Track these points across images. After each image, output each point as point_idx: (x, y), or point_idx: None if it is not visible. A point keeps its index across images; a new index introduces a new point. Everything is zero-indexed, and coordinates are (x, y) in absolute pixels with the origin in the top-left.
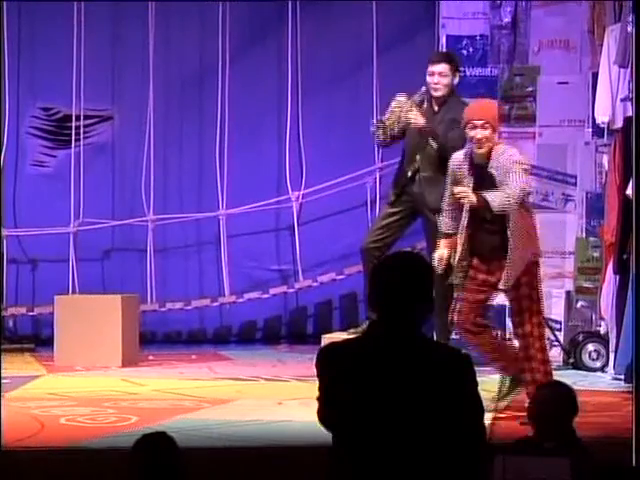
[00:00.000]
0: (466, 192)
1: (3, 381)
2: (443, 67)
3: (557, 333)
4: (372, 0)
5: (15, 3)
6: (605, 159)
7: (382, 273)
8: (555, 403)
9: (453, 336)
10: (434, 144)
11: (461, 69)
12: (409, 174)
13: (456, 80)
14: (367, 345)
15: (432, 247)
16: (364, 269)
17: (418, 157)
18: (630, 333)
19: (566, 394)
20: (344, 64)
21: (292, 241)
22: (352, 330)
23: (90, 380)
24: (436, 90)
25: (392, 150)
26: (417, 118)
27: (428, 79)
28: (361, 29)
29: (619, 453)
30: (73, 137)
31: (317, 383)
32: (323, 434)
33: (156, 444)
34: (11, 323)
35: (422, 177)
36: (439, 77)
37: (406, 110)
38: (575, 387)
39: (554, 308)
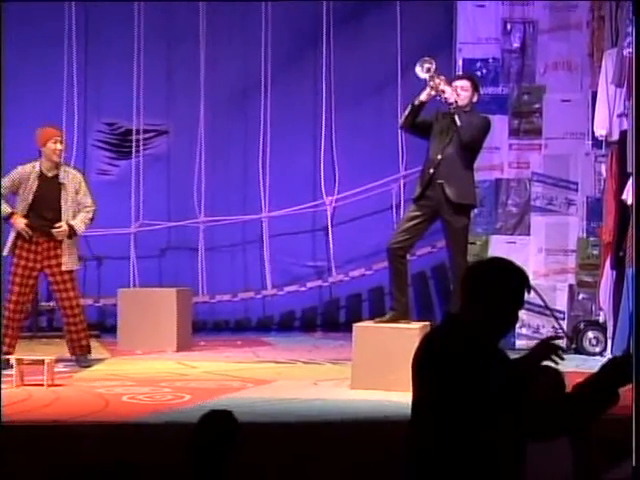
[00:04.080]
0: None
1: (72, 364)
2: (465, 82)
3: (561, 322)
4: (396, 27)
5: (82, 31)
6: (603, 168)
7: (478, 273)
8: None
9: None
10: (459, 121)
11: (481, 91)
12: (432, 170)
13: (475, 98)
14: (434, 333)
15: (450, 246)
16: (389, 266)
17: (439, 157)
18: (626, 321)
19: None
20: (372, 82)
21: (326, 240)
22: (378, 319)
23: (148, 363)
24: (457, 97)
25: (415, 159)
26: (449, 93)
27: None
28: (387, 51)
29: (617, 430)
30: (133, 149)
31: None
32: (353, 411)
33: (220, 420)
34: None
35: (442, 175)
36: (461, 90)
37: (442, 85)
38: (577, 370)
39: (558, 300)
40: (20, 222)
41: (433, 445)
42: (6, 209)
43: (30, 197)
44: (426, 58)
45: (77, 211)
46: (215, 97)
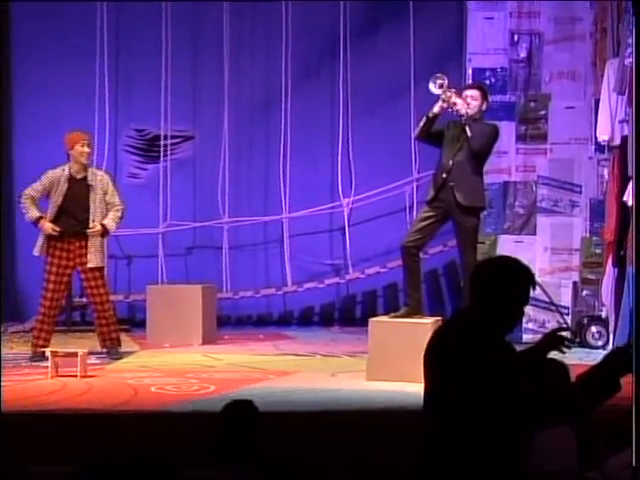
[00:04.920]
0: None
1: (104, 356)
2: (475, 92)
3: (565, 317)
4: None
5: (113, 44)
6: (605, 171)
7: (486, 271)
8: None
9: None
10: (469, 131)
11: (490, 100)
12: (444, 175)
13: (484, 107)
14: (445, 328)
15: (460, 245)
16: (403, 263)
17: (451, 162)
18: (627, 316)
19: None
20: (386, 91)
21: (343, 240)
22: (393, 314)
23: (176, 355)
24: (468, 107)
25: (427, 163)
26: (460, 105)
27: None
28: (400, 62)
29: (619, 418)
30: (161, 153)
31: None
32: (368, 401)
33: (242, 409)
34: None
35: (452, 180)
36: (471, 99)
37: (454, 97)
38: (581, 362)
39: (563, 296)
40: (47, 226)
41: (444, 434)
42: (35, 214)
43: (60, 199)
44: (438, 75)
45: (106, 211)
46: (238, 105)
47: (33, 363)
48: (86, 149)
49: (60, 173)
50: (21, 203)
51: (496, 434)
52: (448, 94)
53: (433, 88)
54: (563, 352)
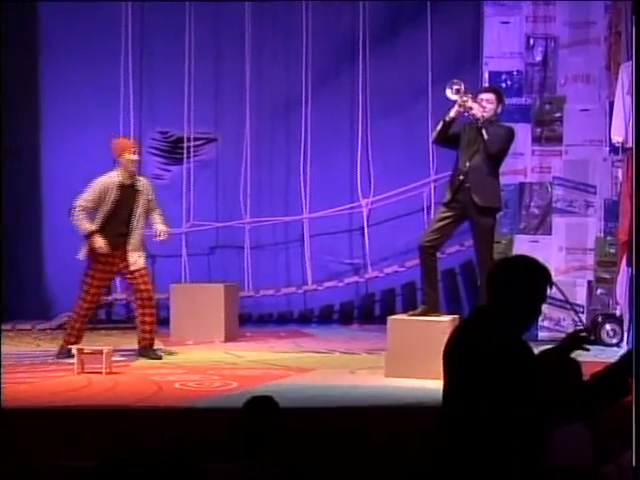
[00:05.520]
0: None
1: (128, 353)
2: (490, 95)
3: (580, 315)
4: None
5: (138, 49)
6: (620, 172)
7: (504, 270)
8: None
9: None
10: (485, 135)
11: (505, 102)
12: (460, 177)
13: (499, 109)
14: (463, 326)
15: (477, 245)
16: (421, 263)
17: (468, 165)
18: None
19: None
20: (404, 95)
21: (362, 240)
22: (411, 312)
23: (198, 352)
24: (483, 110)
25: (444, 164)
26: (476, 109)
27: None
28: (418, 66)
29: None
30: (185, 155)
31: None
32: (387, 397)
33: (263, 405)
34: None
35: (469, 182)
36: (486, 102)
37: (470, 102)
38: (596, 359)
39: (578, 295)
40: (99, 243)
41: (462, 431)
42: (89, 227)
43: (110, 206)
44: (455, 80)
45: (146, 214)
46: (260, 108)
47: (59, 360)
48: (135, 157)
49: (110, 180)
50: (75, 215)
51: (514, 431)
52: (464, 99)
53: (450, 94)
54: (587, 349)
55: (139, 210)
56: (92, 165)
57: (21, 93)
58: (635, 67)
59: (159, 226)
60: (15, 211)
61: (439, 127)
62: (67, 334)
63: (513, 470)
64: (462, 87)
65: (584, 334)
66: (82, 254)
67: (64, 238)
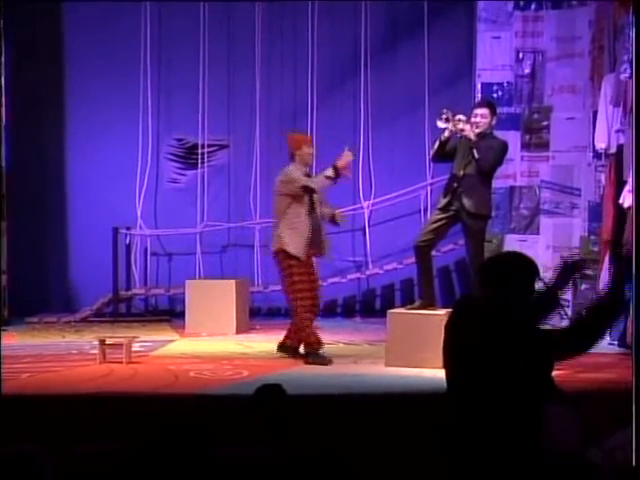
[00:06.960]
0: None
1: (147, 344)
2: (484, 110)
3: (566, 309)
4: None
5: (156, 58)
6: (603, 176)
7: (495, 263)
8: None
9: None
10: (476, 154)
11: (498, 113)
12: (455, 185)
13: (494, 122)
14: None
15: (469, 244)
16: (417, 261)
17: (461, 173)
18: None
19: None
20: (403, 103)
21: (364, 239)
22: (409, 306)
23: (212, 343)
24: (477, 126)
25: (440, 169)
26: (468, 130)
27: (472, 119)
28: (417, 77)
29: (617, 400)
30: (199, 161)
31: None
32: (387, 384)
33: (272, 392)
34: (153, 301)
35: (463, 190)
36: (480, 117)
37: (461, 125)
38: None
39: None
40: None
41: (469, 409)
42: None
43: None
44: (443, 110)
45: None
46: (269, 116)
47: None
48: (312, 150)
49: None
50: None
51: (517, 409)
52: (455, 121)
53: (440, 123)
54: (588, 275)
55: (316, 205)
56: (113, 168)
57: (48, 101)
58: (635, 67)
59: (336, 213)
60: (43, 212)
61: (436, 146)
62: (307, 334)
63: (514, 455)
64: (450, 114)
65: (576, 259)
66: (299, 251)
67: (87, 238)
